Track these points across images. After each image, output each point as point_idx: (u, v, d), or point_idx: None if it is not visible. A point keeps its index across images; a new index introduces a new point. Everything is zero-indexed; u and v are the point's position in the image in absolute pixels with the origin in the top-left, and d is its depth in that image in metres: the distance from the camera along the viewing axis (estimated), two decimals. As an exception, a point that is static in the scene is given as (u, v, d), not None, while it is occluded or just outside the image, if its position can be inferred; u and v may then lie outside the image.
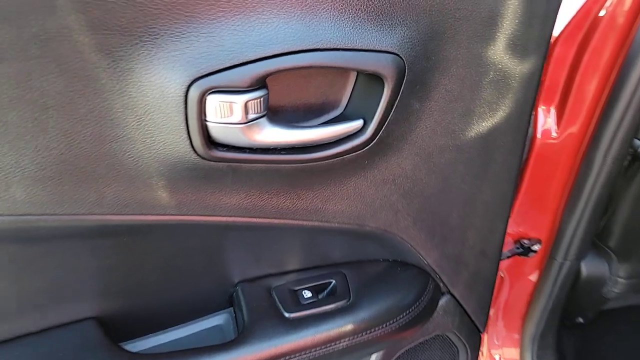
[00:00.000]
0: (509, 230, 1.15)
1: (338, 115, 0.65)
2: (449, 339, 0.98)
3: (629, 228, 1.17)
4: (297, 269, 0.81)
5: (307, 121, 0.64)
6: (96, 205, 0.56)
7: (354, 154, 0.64)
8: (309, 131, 0.60)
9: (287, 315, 0.73)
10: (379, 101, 0.60)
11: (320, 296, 0.79)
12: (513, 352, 1.33)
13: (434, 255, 0.84)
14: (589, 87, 0.91)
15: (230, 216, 0.65)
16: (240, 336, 0.70)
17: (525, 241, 1.19)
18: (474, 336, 1.00)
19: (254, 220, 0.66)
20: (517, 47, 0.65)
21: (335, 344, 0.74)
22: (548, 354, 1.30)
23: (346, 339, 0.75)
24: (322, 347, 0.73)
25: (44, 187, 0.52)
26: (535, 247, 1.22)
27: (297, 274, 0.81)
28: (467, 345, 1.00)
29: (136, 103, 0.51)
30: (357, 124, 0.62)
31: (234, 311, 0.78)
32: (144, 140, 0.53)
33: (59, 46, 0.45)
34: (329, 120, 0.64)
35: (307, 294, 0.78)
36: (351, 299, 0.78)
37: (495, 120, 0.72)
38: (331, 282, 0.81)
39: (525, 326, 1.26)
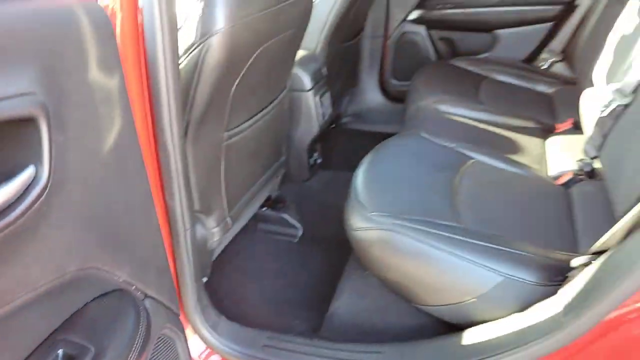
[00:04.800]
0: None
1: None
2: (167, 336, 0.95)
3: (201, 187, 1.26)
4: None
5: None
6: None
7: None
8: None
9: None
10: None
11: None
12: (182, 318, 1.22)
13: (125, 267, 0.81)
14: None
15: None
16: None
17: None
18: (177, 321, 0.99)
19: None
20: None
21: None
22: (208, 307, 1.25)
23: None
24: None
25: None
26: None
27: None
28: (177, 332, 0.98)
29: None
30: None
31: None
32: None
33: None
34: None
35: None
36: None
37: (116, 127, 0.75)
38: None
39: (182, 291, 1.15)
